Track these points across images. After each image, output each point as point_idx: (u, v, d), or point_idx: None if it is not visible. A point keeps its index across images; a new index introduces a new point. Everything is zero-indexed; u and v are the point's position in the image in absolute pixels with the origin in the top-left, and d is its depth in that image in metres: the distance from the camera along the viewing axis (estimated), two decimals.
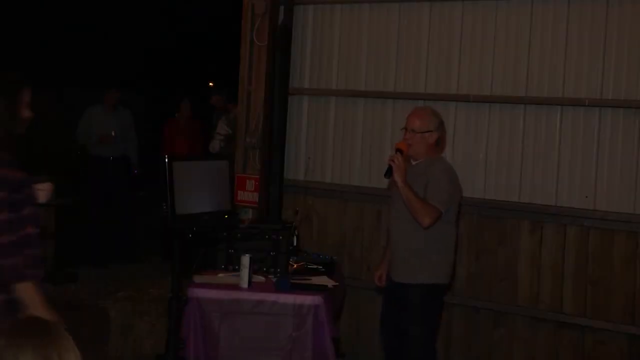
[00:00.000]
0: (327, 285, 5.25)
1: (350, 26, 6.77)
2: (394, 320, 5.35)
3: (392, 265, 5.35)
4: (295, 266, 5.57)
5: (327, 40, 6.87)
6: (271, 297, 5.04)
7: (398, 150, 4.99)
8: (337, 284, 5.42)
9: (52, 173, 10.41)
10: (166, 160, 4.92)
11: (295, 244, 5.72)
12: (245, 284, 5.11)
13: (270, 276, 5.38)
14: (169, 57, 17.01)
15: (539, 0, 5.99)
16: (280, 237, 5.49)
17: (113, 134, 9.73)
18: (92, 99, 10.55)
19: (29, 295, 3.57)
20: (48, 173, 9.85)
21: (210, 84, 15.77)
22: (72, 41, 15.15)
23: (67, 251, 9.34)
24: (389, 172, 4.96)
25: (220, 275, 5.41)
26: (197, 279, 5.26)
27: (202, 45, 17.18)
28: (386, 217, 6.08)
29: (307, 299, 5.00)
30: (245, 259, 5.12)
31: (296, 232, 5.77)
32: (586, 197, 5.84)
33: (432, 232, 5.06)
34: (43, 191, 5.54)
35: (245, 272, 5.11)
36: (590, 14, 5.82)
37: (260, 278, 5.32)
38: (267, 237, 5.50)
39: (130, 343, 6.54)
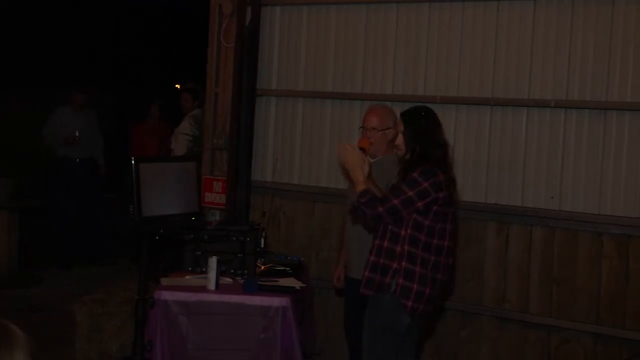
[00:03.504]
0: (294, 287, 5.25)
1: (317, 27, 6.77)
2: (357, 319, 5.39)
3: (350, 263, 5.45)
4: (262, 268, 5.57)
5: (295, 42, 6.87)
6: (239, 298, 5.04)
7: (361, 149, 4.95)
8: (305, 285, 5.42)
9: (18, 173, 10.41)
10: (133, 161, 4.89)
11: (262, 245, 5.71)
12: (212, 286, 5.10)
13: (237, 278, 5.37)
14: (138, 57, 16.91)
15: (505, 1, 6.04)
16: (248, 239, 5.48)
17: (77, 134, 9.69)
18: (58, 99, 10.48)
19: None
20: (13, 173, 9.86)
21: (177, 85, 15.71)
22: (37, 41, 15.01)
23: (32, 253, 9.28)
24: None
25: (188, 277, 5.39)
26: (164, 281, 5.24)
27: (170, 46, 17.11)
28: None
29: (275, 301, 5.00)
30: (213, 261, 5.11)
31: (264, 234, 5.76)
32: (552, 197, 5.89)
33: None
34: None
35: (212, 274, 5.09)
36: (556, 13, 5.87)
37: (227, 280, 5.31)
38: (234, 238, 5.49)
39: (97, 346, 6.48)
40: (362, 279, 4.61)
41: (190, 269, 5.50)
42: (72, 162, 9.81)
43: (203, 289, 5.11)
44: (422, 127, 4.57)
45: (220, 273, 5.17)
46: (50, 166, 10.16)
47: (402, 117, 4.66)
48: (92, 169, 10.10)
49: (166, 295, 5.04)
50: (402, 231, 4.43)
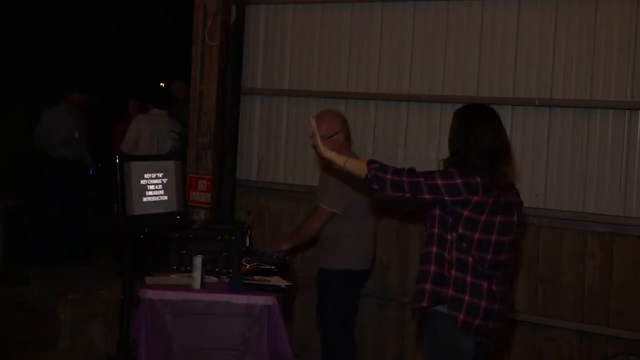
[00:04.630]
0: (280, 286, 5.24)
1: (302, 26, 6.77)
2: (327, 308, 5.74)
3: (321, 254, 5.82)
4: (248, 267, 5.55)
5: (280, 40, 6.86)
6: (224, 297, 5.02)
7: None
8: (291, 284, 5.42)
9: (7, 174, 10.35)
10: (117, 160, 4.86)
11: (248, 244, 5.70)
12: (197, 285, 5.08)
13: (223, 277, 5.36)
14: (116, 55, 16.83)
15: (489, 1, 6.06)
16: (233, 238, 5.47)
17: (76, 135, 9.74)
18: (46, 99, 10.44)
19: None
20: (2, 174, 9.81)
21: (162, 84, 15.67)
22: (29, 41, 14.94)
23: (18, 252, 9.23)
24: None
25: (173, 276, 5.37)
26: (149, 280, 5.22)
27: (151, 44, 17.06)
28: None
29: (260, 300, 4.99)
30: (198, 260, 5.09)
31: (249, 233, 5.75)
32: (537, 196, 5.91)
33: (341, 221, 5.56)
34: None
35: (197, 273, 5.08)
36: (540, 12, 5.89)
37: (212, 279, 5.29)
38: (219, 237, 5.47)
39: (82, 345, 6.47)
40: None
41: (175, 268, 5.48)
42: (64, 162, 9.82)
43: (188, 288, 5.10)
44: (458, 129, 4.18)
45: (205, 272, 5.16)
46: (42, 165, 10.11)
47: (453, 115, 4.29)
48: (81, 168, 10.10)
49: (151, 294, 5.02)
50: (449, 235, 3.99)
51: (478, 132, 4.05)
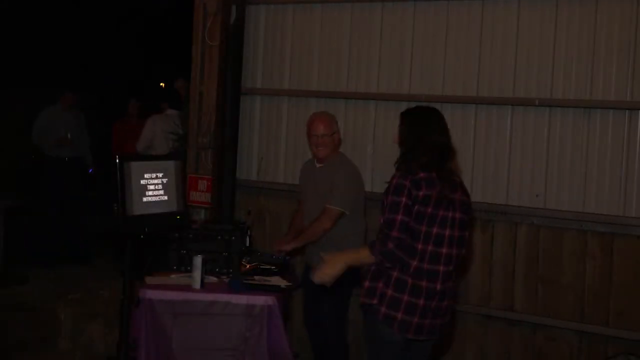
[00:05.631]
0: (280, 286, 5.24)
1: (302, 26, 6.77)
2: (314, 310, 5.81)
3: (311, 253, 5.79)
4: (248, 267, 5.55)
5: (280, 40, 6.86)
6: (224, 297, 5.03)
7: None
8: (291, 284, 5.42)
9: (7, 174, 10.35)
10: (117, 160, 4.86)
11: (248, 244, 5.71)
12: (197, 285, 5.09)
13: (223, 277, 5.36)
14: (117, 55, 16.81)
15: (489, 1, 6.06)
16: (233, 238, 5.47)
17: (69, 135, 9.74)
18: (43, 99, 10.44)
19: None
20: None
21: (162, 84, 15.66)
22: (26, 41, 14.92)
23: (18, 252, 9.24)
24: None
25: (173, 276, 5.37)
26: (149, 280, 5.22)
27: (151, 44, 17.04)
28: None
29: (260, 300, 5.00)
30: (198, 260, 5.09)
31: (249, 233, 5.75)
32: (537, 196, 5.91)
33: (346, 221, 5.64)
34: None
35: (197, 273, 5.08)
36: (540, 12, 5.89)
37: (212, 279, 5.29)
38: (219, 237, 5.47)
39: (82, 345, 6.46)
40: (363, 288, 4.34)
41: (175, 268, 5.48)
42: (61, 162, 9.82)
43: (188, 288, 5.10)
44: (410, 128, 4.37)
45: (205, 272, 5.16)
46: (39, 165, 10.12)
47: (400, 116, 4.51)
48: (79, 168, 10.10)
49: (151, 294, 5.02)
50: (394, 232, 4.14)
51: (429, 131, 4.32)
